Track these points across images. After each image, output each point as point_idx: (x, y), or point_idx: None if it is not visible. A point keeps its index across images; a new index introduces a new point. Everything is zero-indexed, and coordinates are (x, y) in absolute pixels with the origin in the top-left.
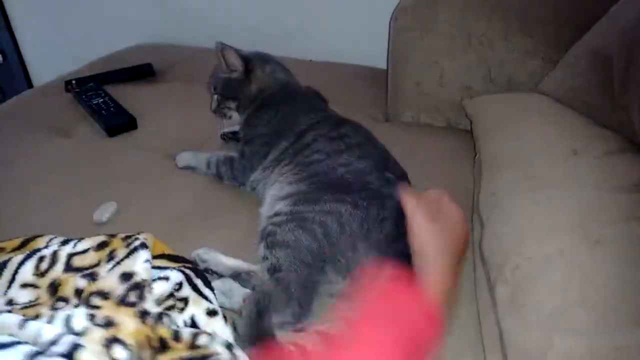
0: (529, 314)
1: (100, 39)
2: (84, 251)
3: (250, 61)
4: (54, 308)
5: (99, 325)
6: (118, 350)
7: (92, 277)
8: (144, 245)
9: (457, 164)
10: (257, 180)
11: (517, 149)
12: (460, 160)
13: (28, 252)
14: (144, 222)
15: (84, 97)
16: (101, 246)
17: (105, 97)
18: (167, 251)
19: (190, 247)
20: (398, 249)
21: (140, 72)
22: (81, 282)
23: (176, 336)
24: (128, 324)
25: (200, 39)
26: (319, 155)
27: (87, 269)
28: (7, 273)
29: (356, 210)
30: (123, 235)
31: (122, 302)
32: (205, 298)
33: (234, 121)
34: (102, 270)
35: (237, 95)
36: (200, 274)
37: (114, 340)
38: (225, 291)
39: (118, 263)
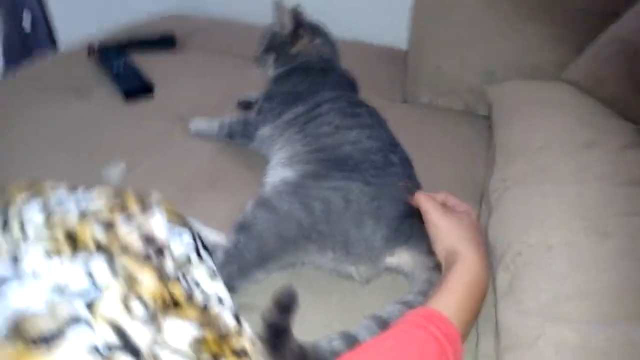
0: (525, 300)
1: (128, 6)
2: (94, 198)
3: (302, 27)
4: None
5: (119, 279)
6: (136, 306)
7: (109, 228)
8: (157, 204)
9: (472, 149)
10: (266, 136)
11: (533, 138)
12: (475, 146)
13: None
14: (151, 185)
15: (104, 61)
16: (113, 201)
17: (125, 62)
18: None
19: (196, 213)
20: (412, 227)
21: (163, 42)
22: (99, 231)
23: (190, 297)
24: (147, 281)
25: (226, 11)
26: (328, 127)
27: (101, 220)
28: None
29: (368, 187)
30: (134, 194)
31: (143, 259)
32: (205, 262)
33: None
34: (118, 223)
35: (278, 51)
36: (200, 238)
37: (133, 296)
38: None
39: (133, 219)
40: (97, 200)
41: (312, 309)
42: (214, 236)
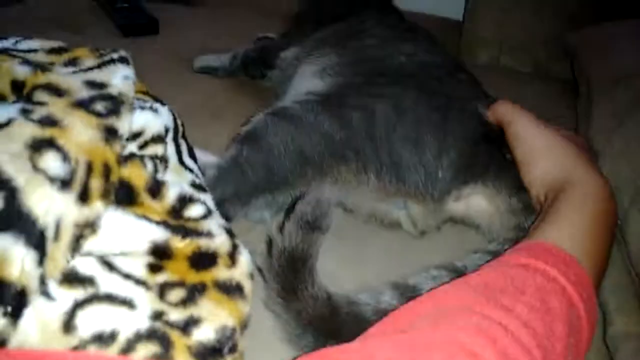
0: None
1: None
2: (29, 50)
3: None
4: None
5: (32, 120)
6: (50, 157)
7: (41, 67)
8: (123, 60)
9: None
10: (289, 59)
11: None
12: (546, 114)
13: None
14: None
15: None
16: (57, 51)
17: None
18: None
19: (198, 140)
20: (492, 155)
21: None
22: (22, 71)
23: (153, 188)
24: (81, 129)
25: None
26: (376, 40)
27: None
28: None
29: (429, 96)
30: (92, 48)
31: (81, 105)
32: (190, 171)
33: None
34: (58, 68)
35: None
36: (187, 140)
37: (48, 143)
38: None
39: (83, 71)
40: (37, 52)
41: (341, 269)
42: (208, 157)
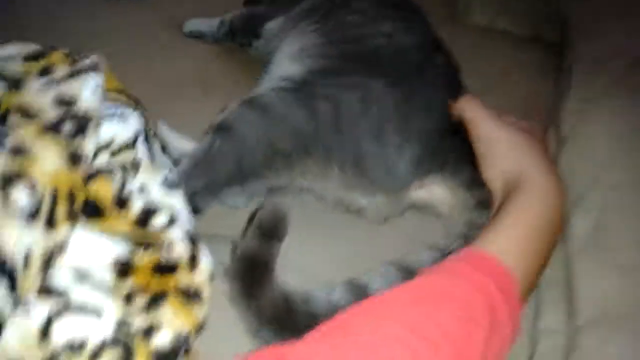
0: (616, 258)
1: None
2: (7, 58)
3: None
4: None
5: (5, 149)
6: (19, 190)
7: (15, 85)
8: (94, 68)
9: (532, 85)
10: (274, 30)
11: (632, 44)
12: (537, 80)
13: None
14: (136, 87)
15: None
16: (33, 57)
17: None
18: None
19: (183, 120)
20: (453, 148)
21: None
22: None
23: (120, 201)
24: (48, 158)
25: None
26: (357, 17)
27: (8, 72)
28: None
29: (395, 88)
30: (66, 51)
31: (50, 128)
32: (162, 166)
33: None
34: (31, 83)
35: None
36: (154, 133)
37: (18, 176)
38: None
39: (56, 82)
40: (14, 56)
41: (307, 254)
42: (186, 144)
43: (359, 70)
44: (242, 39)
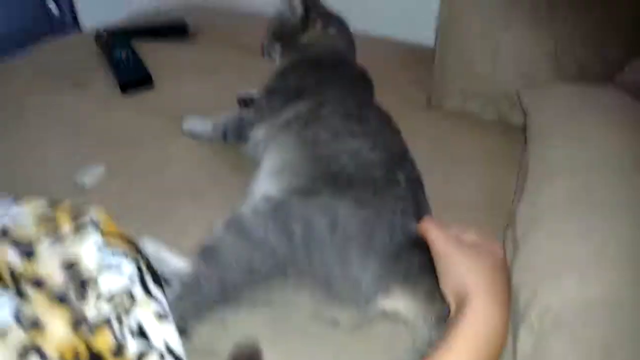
0: None
1: None
2: (21, 220)
3: (314, 13)
4: None
5: (22, 324)
6: None
7: (28, 254)
8: (94, 225)
9: (502, 166)
10: (260, 138)
11: (573, 154)
12: (506, 162)
13: None
14: (131, 189)
15: (108, 50)
16: (42, 218)
17: (128, 51)
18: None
19: (177, 224)
20: (410, 265)
21: (174, 31)
22: (15, 259)
23: (118, 350)
24: (56, 329)
25: (246, 2)
26: (327, 134)
27: (22, 239)
28: None
29: (360, 209)
30: (70, 208)
31: (58, 298)
32: (155, 299)
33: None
34: (42, 247)
35: (286, 40)
36: (152, 269)
37: (32, 349)
38: (154, 258)
39: (61, 244)
40: (26, 216)
41: None
42: (177, 262)
43: (328, 192)
44: (232, 141)
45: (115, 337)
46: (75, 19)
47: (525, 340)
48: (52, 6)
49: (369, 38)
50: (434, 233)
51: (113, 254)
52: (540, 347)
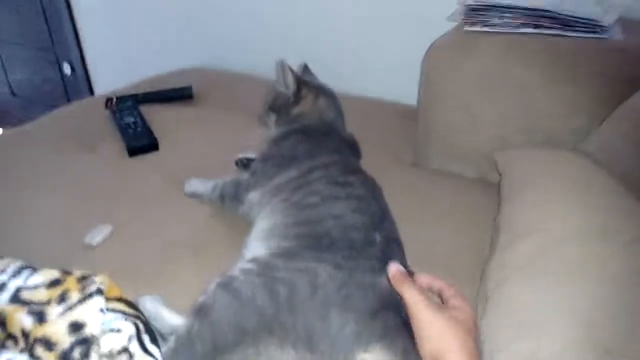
0: None
1: (157, 59)
2: (35, 287)
3: (305, 87)
4: (3, 346)
5: None
6: None
7: (40, 317)
8: (99, 292)
9: (481, 221)
10: (254, 202)
11: (539, 217)
12: (485, 218)
13: None
14: (136, 248)
15: (117, 115)
16: (54, 284)
17: (136, 116)
18: (122, 296)
19: (179, 281)
20: (386, 323)
21: (180, 94)
22: (27, 321)
23: None
24: None
25: (251, 67)
26: (314, 198)
27: (35, 304)
28: None
29: (337, 271)
30: (79, 275)
31: (64, 358)
32: (151, 355)
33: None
34: (52, 311)
35: (280, 111)
36: (149, 328)
37: None
38: (153, 316)
39: (70, 308)
40: (40, 281)
41: None
42: (175, 319)
43: (310, 255)
44: (229, 204)
45: None
46: (88, 83)
47: None
48: (66, 68)
49: (363, 99)
50: (414, 297)
51: (115, 317)
52: None
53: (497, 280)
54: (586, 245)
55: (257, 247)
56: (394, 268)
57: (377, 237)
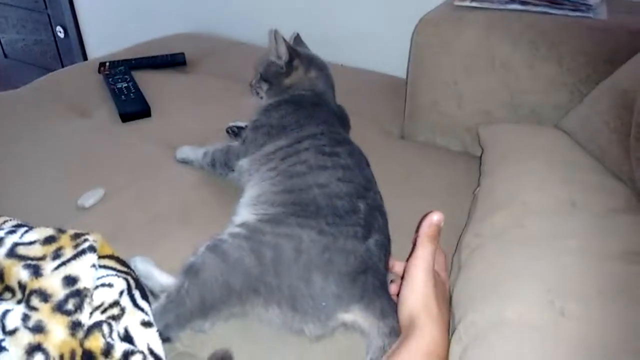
0: None
1: (151, 23)
2: (30, 243)
3: (297, 58)
4: (1, 297)
5: (29, 328)
6: (37, 358)
7: (36, 270)
8: (92, 248)
9: (464, 194)
10: (244, 169)
11: (514, 190)
12: (467, 191)
13: None
14: (127, 212)
15: (110, 80)
16: (48, 241)
17: (129, 82)
18: (114, 254)
19: (169, 245)
20: (365, 286)
21: (172, 61)
22: (24, 274)
23: (107, 351)
24: (57, 333)
25: (241, 33)
26: (302, 167)
27: (31, 259)
28: None
29: (320, 236)
30: (72, 233)
31: (59, 309)
32: (142, 310)
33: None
34: (47, 266)
35: (272, 80)
36: (140, 285)
37: (37, 348)
38: (144, 275)
39: (64, 263)
40: (36, 238)
41: None
42: (165, 278)
43: (296, 221)
44: (220, 170)
45: (106, 340)
46: (82, 46)
47: (454, 351)
48: (60, 32)
49: (355, 70)
50: (424, 255)
51: (107, 273)
52: (464, 357)
53: (471, 249)
54: (556, 217)
55: (245, 212)
56: (438, 218)
57: (362, 206)
